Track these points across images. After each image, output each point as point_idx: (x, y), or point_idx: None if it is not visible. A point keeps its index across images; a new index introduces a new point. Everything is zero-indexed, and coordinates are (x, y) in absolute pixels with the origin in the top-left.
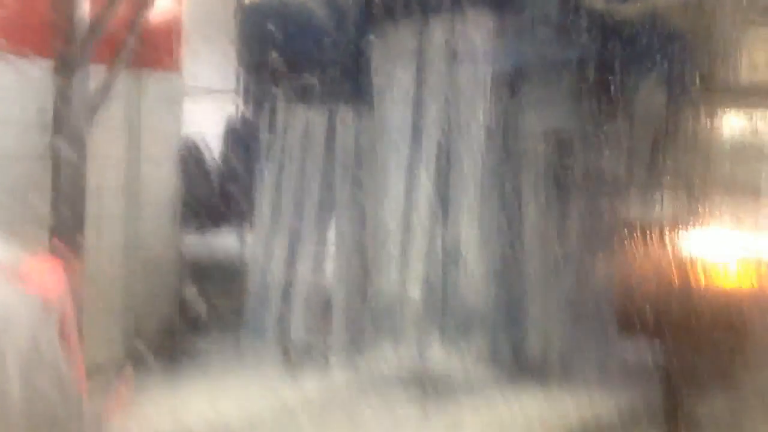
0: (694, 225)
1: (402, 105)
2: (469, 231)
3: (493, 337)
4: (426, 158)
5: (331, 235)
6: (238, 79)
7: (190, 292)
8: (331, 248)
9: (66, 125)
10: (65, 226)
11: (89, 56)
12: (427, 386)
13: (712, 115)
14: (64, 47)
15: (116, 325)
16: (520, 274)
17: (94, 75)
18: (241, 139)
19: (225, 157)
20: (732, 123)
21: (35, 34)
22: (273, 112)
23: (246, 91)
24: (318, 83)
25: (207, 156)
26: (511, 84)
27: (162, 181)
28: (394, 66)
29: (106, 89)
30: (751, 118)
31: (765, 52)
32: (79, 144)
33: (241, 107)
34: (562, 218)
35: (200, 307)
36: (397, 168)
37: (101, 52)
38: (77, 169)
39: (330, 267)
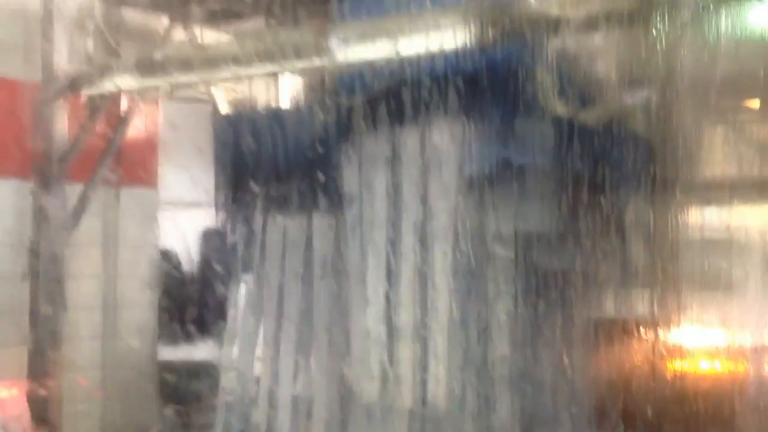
0: (667, 320)
1: (376, 211)
2: (442, 333)
3: None
4: (403, 264)
5: (313, 343)
6: (213, 192)
7: (169, 407)
8: (313, 357)
9: (44, 244)
10: (43, 344)
11: (66, 175)
12: None
13: (678, 212)
14: (41, 167)
15: None
16: (494, 378)
17: (71, 193)
18: (218, 250)
19: (202, 270)
20: (698, 219)
21: (13, 155)
22: (249, 222)
23: (221, 202)
24: (293, 192)
25: (183, 269)
26: (481, 187)
27: (139, 295)
28: (368, 173)
29: (82, 207)
30: (717, 212)
31: (723, 150)
32: (57, 262)
33: (217, 219)
34: (534, 317)
35: (179, 422)
36: (375, 274)
37: (78, 170)
38: (56, 287)
39: (312, 377)
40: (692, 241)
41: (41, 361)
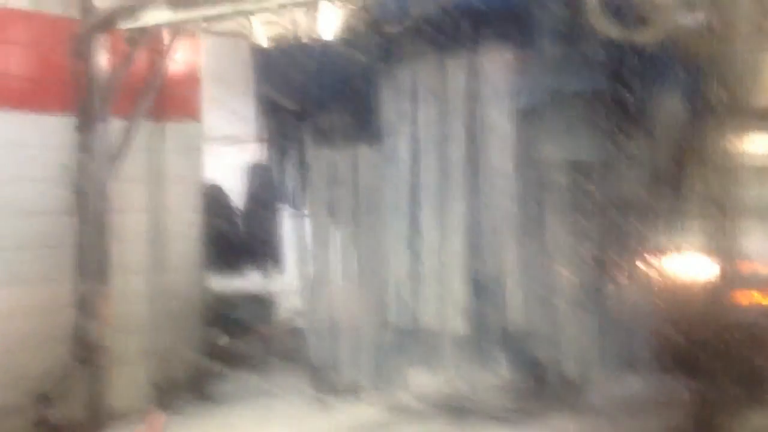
0: (722, 249)
1: (424, 142)
2: (502, 260)
3: (529, 362)
4: (453, 191)
5: (361, 271)
6: (257, 125)
7: (217, 335)
8: (362, 283)
9: (88, 179)
10: (90, 278)
11: (109, 110)
12: (460, 413)
13: (733, 139)
14: (83, 103)
15: (146, 372)
16: (553, 300)
17: (115, 128)
18: (263, 184)
19: (247, 203)
20: (755, 146)
21: (55, 91)
22: (293, 155)
23: (265, 136)
24: (338, 124)
25: (229, 202)
26: (531, 116)
27: (185, 228)
28: (413, 104)
29: (126, 142)
30: None
31: None
32: (101, 197)
33: (260, 152)
34: (590, 245)
35: (228, 350)
36: (425, 203)
37: (121, 105)
38: (101, 221)
39: (362, 301)
40: (749, 168)
41: (88, 294)
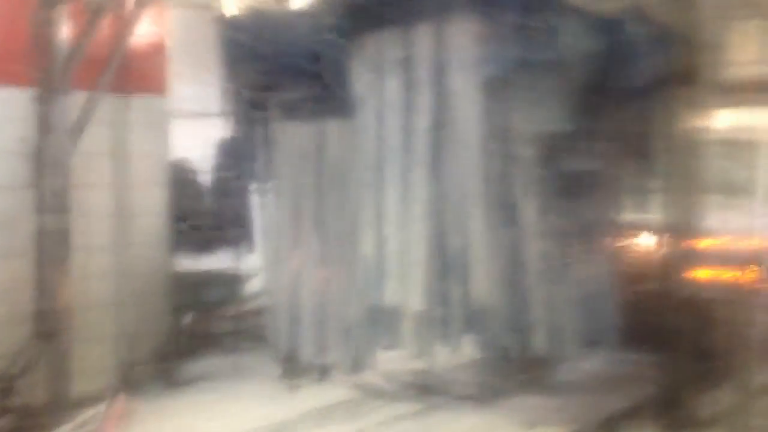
0: (686, 223)
1: (390, 114)
2: (468, 234)
3: (498, 339)
4: (418, 165)
5: (328, 248)
6: (223, 99)
7: (183, 315)
8: (328, 261)
9: (48, 153)
10: (50, 254)
11: (69, 83)
12: (428, 393)
13: (697, 112)
14: (43, 75)
15: (109, 353)
16: (522, 273)
17: (77, 101)
18: (230, 159)
19: (215, 179)
20: (719, 120)
21: (14, 62)
22: (260, 130)
23: (232, 110)
24: (304, 98)
25: (197, 178)
26: (499, 87)
27: (151, 204)
28: (380, 76)
29: (87, 115)
30: (739, 114)
31: (748, 48)
32: (62, 171)
33: (228, 127)
34: (559, 217)
35: (194, 330)
36: (390, 177)
37: (84, 77)
38: (61, 197)
39: (329, 279)
40: (713, 142)
41: (47, 271)
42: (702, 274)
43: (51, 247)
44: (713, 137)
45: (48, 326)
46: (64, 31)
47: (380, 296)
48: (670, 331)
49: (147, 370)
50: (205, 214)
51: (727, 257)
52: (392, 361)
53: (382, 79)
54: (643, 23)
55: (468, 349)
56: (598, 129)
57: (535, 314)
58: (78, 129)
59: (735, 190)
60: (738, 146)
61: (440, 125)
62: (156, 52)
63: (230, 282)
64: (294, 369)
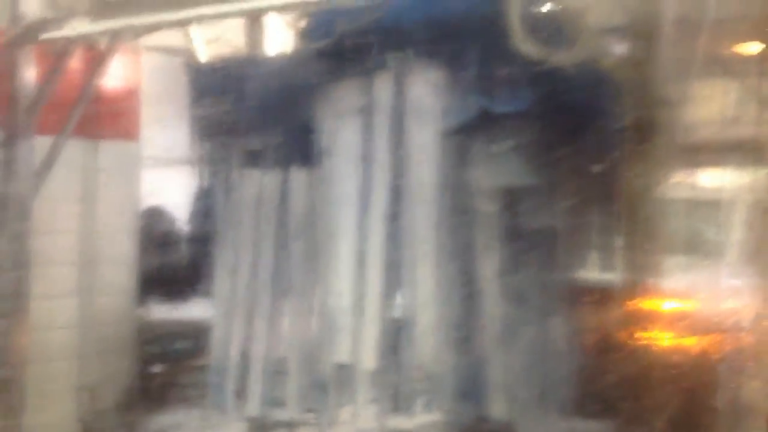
0: (647, 283)
1: (350, 165)
2: (424, 293)
3: (453, 403)
4: (375, 219)
5: (288, 302)
6: (192, 146)
7: (148, 366)
8: (287, 316)
9: (10, 198)
10: (9, 302)
11: (33, 127)
12: None
13: (662, 170)
14: (7, 117)
15: (72, 405)
16: (478, 335)
17: (42, 145)
18: (198, 207)
19: (183, 227)
20: (682, 178)
21: None
22: (223, 177)
23: (197, 157)
24: (268, 145)
25: (166, 226)
26: (459, 140)
27: (118, 252)
28: (341, 125)
29: (50, 159)
30: (699, 174)
31: (709, 108)
32: (22, 216)
33: (195, 174)
34: (518, 276)
35: (159, 382)
36: (347, 230)
37: (51, 121)
38: (20, 242)
39: (287, 336)
40: (676, 200)
41: (4, 319)
42: (665, 338)
43: (7, 294)
44: (678, 196)
45: (1, 377)
46: (29, 73)
47: (336, 352)
48: (629, 399)
49: (110, 423)
50: (173, 262)
51: (692, 321)
52: (362, 418)
53: (344, 129)
54: (603, 78)
55: (424, 411)
56: (560, 185)
57: (490, 378)
58: (42, 173)
59: (701, 251)
60: (703, 206)
61: (398, 176)
62: (128, 97)
63: (197, 333)
64: (262, 424)
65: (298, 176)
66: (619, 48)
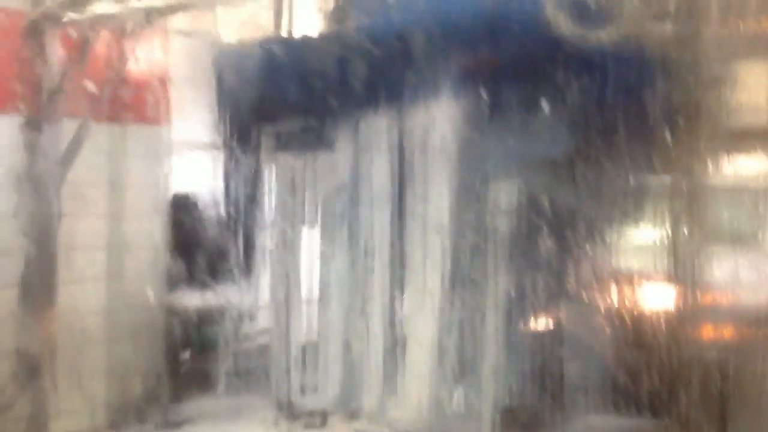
0: (682, 277)
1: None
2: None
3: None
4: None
5: (321, 286)
6: (222, 131)
7: (178, 352)
8: (320, 301)
9: (36, 183)
10: (35, 288)
11: (59, 110)
12: None
13: (700, 158)
14: (32, 102)
15: (100, 391)
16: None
17: (69, 129)
18: (234, 192)
19: (212, 212)
20: (724, 167)
21: (1, 89)
22: (258, 162)
23: (231, 141)
24: (299, 131)
25: (197, 210)
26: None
27: (148, 237)
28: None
29: (76, 144)
30: (741, 162)
31: (756, 91)
32: (49, 201)
33: (229, 159)
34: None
35: (188, 368)
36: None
37: (77, 105)
38: (48, 227)
39: (321, 320)
40: (720, 187)
41: (31, 306)
42: (708, 331)
43: (35, 280)
44: (722, 183)
45: (30, 364)
46: (55, 56)
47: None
48: (673, 395)
49: (139, 410)
50: (203, 248)
51: (736, 313)
52: (398, 407)
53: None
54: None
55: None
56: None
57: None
58: (69, 157)
59: (744, 239)
60: (748, 193)
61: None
62: (157, 81)
63: (228, 318)
64: (293, 413)
65: (328, 162)
66: (662, 26)
